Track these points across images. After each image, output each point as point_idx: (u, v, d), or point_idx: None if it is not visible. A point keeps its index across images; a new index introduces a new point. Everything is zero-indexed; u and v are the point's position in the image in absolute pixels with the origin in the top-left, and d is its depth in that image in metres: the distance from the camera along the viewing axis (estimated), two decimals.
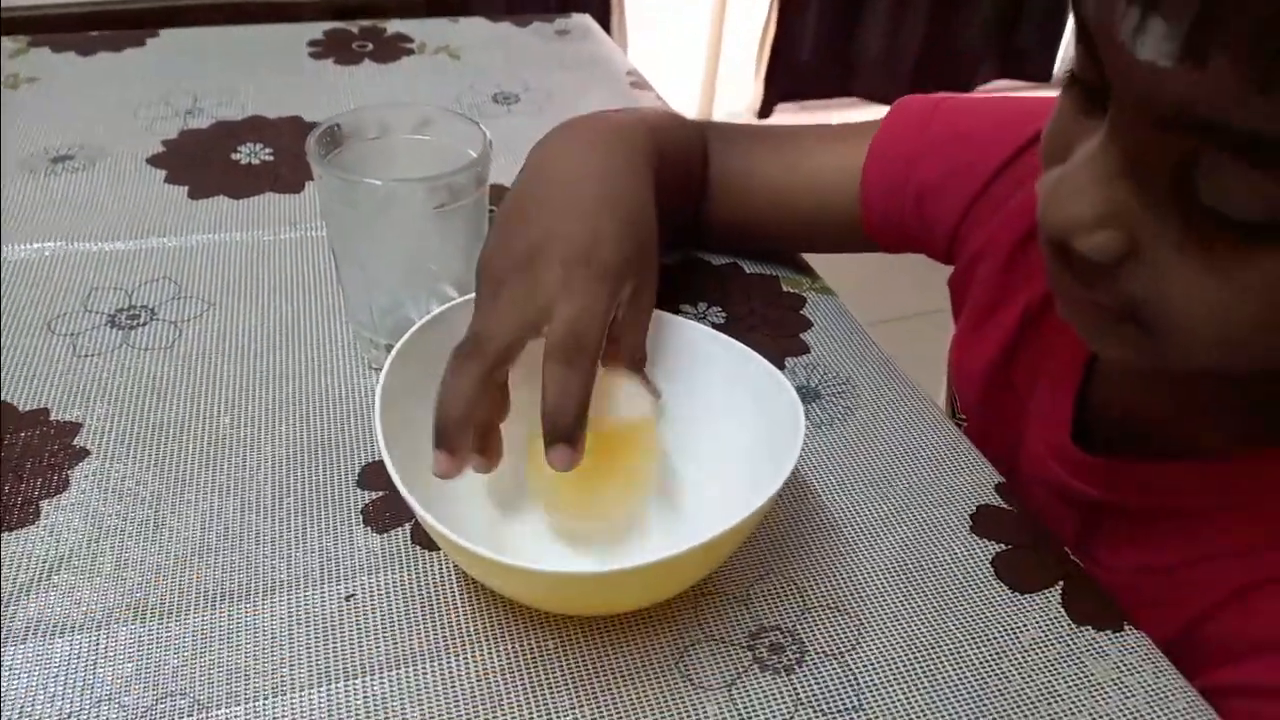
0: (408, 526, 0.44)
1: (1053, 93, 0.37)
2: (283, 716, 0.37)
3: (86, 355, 0.54)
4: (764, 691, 0.39)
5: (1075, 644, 0.41)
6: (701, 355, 0.46)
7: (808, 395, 0.53)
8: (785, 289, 0.61)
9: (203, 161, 0.71)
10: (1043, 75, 2.56)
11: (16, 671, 0.38)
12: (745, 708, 0.38)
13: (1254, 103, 0.27)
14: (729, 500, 0.42)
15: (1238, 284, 0.31)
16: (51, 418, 0.49)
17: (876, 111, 0.58)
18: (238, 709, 0.37)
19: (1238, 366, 0.37)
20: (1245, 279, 0.31)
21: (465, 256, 0.52)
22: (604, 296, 0.41)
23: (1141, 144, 0.31)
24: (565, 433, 0.39)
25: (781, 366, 0.55)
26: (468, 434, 0.39)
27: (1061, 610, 0.42)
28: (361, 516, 0.45)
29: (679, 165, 0.55)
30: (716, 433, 0.46)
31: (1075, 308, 0.38)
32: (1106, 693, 0.39)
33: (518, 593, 0.40)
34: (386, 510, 0.45)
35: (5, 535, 0.43)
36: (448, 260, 0.51)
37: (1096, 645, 0.41)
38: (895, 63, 2.45)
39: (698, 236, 0.62)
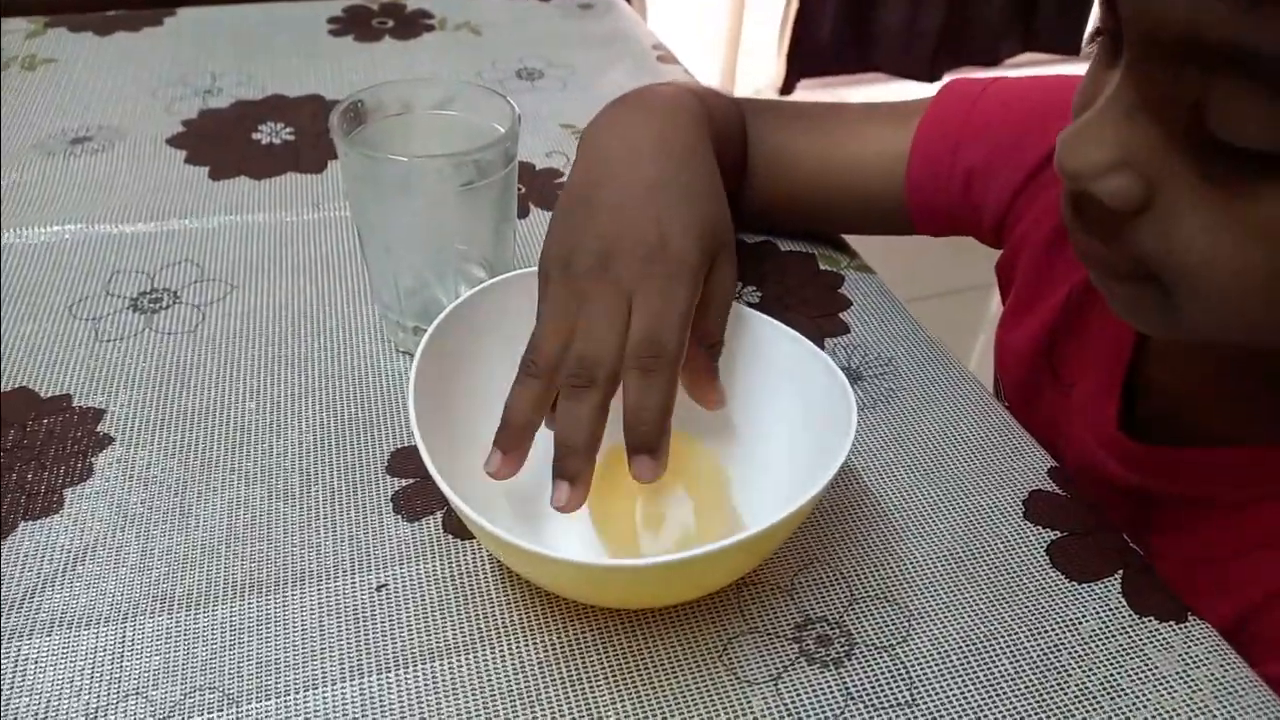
0: (439, 514, 0.43)
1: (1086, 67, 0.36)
2: (315, 712, 0.36)
3: (109, 340, 0.52)
4: (812, 685, 0.37)
5: (1138, 636, 0.39)
6: (748, 339, 0.44)
7: (849, 377, 0.51)
8: (823, 267, 0.59)
9: (223, 142, 0.70)
10: (1070, 48, 2.51)
11: (42, 665, 0.37)
12: (793, 702, 0.37)
13: (1252, 20, 0.27)
14: (775, 490, 0.41)
15: (1252, 225, 0.30)
16: (74, 404, 0.48)
17: (900, 87, 0.57)
18: (269, 704, 0.36)
19: (1260, 333, 0.35)
20: (1259, 219, 0.30)
21: (493, 235, 0.50)
22: (683, 297, 0.40)
23: (1154, 82, 0.31)
24: (648, 443, 0.38)
25: (821, 347, 0.53)
26: (592, 463, 0.38)
27: (1122, 600, 0.41)
28: (392, 504, 0.44)
29: (725, 140, 0.53)
30: (763, 419, 0.44)
31: (1098, 270, 0.37)
32: (1172, 686, 0.38)
33: (555, 584, 0.38)
34: (417, 497, 0.44)
35: (28, 524, 0.42)
36: (475, 240, 0.50)
37: (1160, 637, 0.39)
38: (917, 37, 2.40)
39: (734, 215, 0.60)
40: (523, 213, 0.63)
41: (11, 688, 0.36)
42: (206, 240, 0.60)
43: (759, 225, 0.61)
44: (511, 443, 0.39)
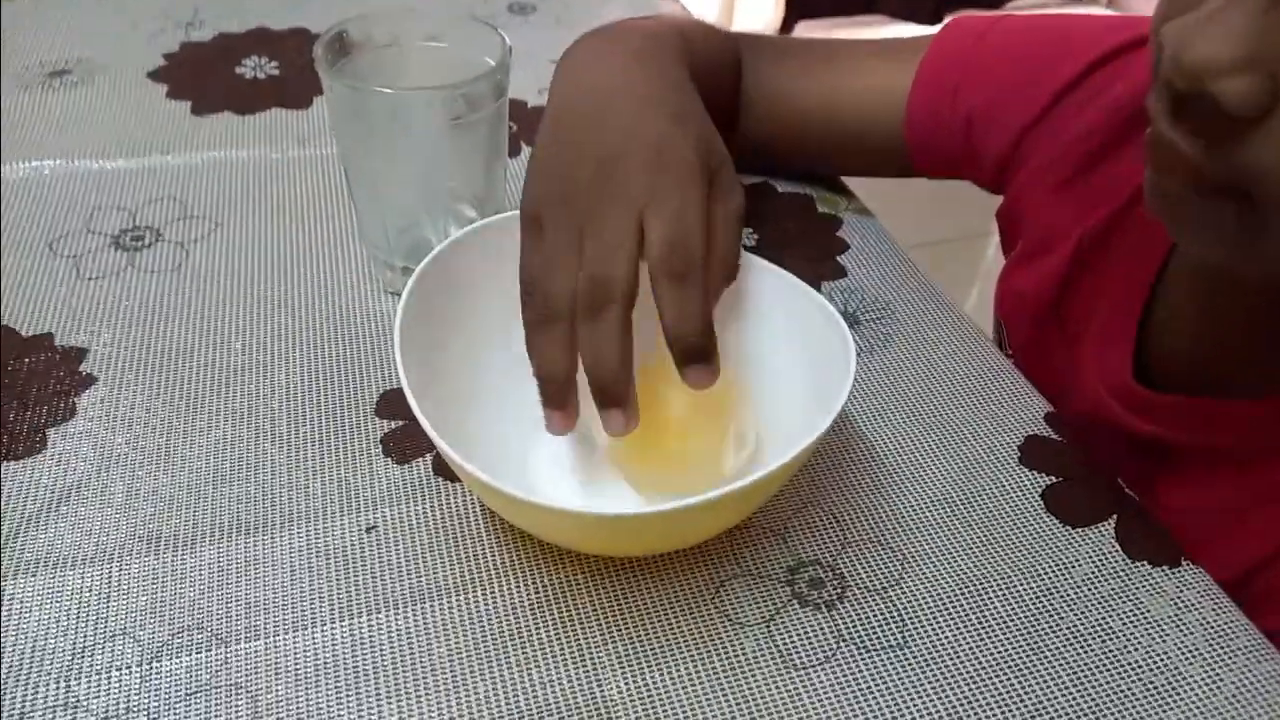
0: (429, 457, 0.43)
1: (1101, 9, 0.33)
2: (304, 651, 0.35)
3: (91, 278, 0.51)
4: (804, 627, 0.37)
5: (1130, 580, 0.39)
6: (745, 283, 0.43)
7: (846, 320, 0.50)
8: (820, 209, 0.58)
9: (206, 76, 0.68)
10: None
11: (28, 605, 0.36)
12: (785, 644, 0.36)
13: None
14: (770, 436, 0.40)
15: None
16: (56, 343, 0.47)
17: (902, 29, 0.54)
18: (257, 644, 0.35)
19: None
20: None
21: (484, 173, 0.49)
22: (697, 198, 0.38)
23: None
24: (699, 352, 0.36)
25: (817, 290, 0.52)
26: (632, 380, 0.37)
27: (1115, 545, 0.40)
28: (381, 446, 0.43)
29: (711, 77, 0.51)
30: (760, 364, 0.43)
31: (1178, 183, 0.34)
32: (1164, 630, 0.38)
33: (546, 532, 0.38)
34: (406, 440, 0.43)
35: (11, 465, 0.41)
36: (466, 177, 0.49)
37: (1153, 581, 0.39)
38: None
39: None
40: (514, 151, 0.62)
41: None
42: (189, 177, 0.59)
43: (754, 164, 0.60)
44: (559, 398, 0.37)
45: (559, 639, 0.36)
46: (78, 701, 0.34)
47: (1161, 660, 0.37)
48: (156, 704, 0.34)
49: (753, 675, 0.35)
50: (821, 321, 0.40)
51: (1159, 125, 0.33)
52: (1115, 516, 0.42)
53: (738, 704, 0.35)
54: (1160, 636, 0.37)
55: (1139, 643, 0.37)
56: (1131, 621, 0.38)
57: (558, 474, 0.42)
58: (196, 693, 0.34)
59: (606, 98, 0.41)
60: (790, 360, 0.42)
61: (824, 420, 0.35)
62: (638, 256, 0.37)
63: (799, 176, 0.60)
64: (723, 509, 0.36)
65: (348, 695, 0.34)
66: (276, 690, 0.34)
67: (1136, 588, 0.39)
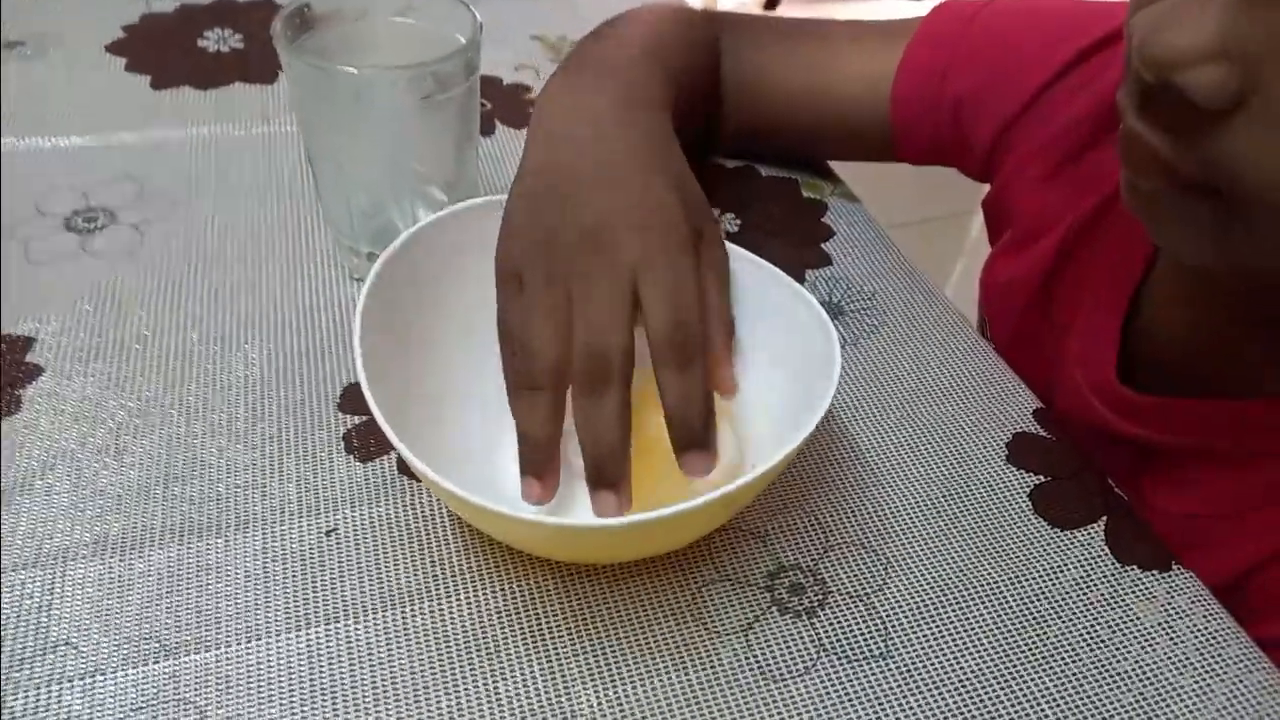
0: (394, 455, 0.41)
1: None
2: (259, 663, 0.34)
3: (39, 262, 0.49)
4: (784, 636, 0.36)
5: (1120, 585, 0.38)
6: (737, 281, 0.41)
7: (830, 311, 0.48)
8: (805, 195, 0.56)
9: (166, 49, 0.65)
10: None
11: None
12: (764, 653, 0.35)
13: None
14: (749, 434, 0.39)
15: None
16: (1, 331, 0.45)
17: (891, 6, 0.52)
18: (209, 655, 0.34)
19: None
20: None
21: (454, 155, 0.47)
22: (691, 268, 0.36)
23: None
24: (700, 437, 0.35)
25: (801, 279, 0.50)
26: (629, 461, 0.35)
27: (1105, 548, 0.39)
28: (343, 443, 0.41)
29: (692, 91, 0.49)
30: (741, 361, 0.41)
31: (1146, 182, 0.33)
32: (1153, 637, 0.36)
33: (514, 541, 0.36)
34: (371, 436, 0.41)
35: None
36: (435, 159, 0.46)
37: (1143, 586, 0.38)
38: None
39: (709, 142, 0.56)
40: (487, 130, 0.60)
41: None
42: (147, 155, 0.56)
43: (736, 151, 0.58)
44: (541, 466, 0.35)
45: (528, 649, 0.35)
46: (15, 719, 0.32)
47: (1151, 670, 0.35)
48: None
49: (730, 687, 0.34)
50: (806, 319, 0.38)
51: (1128, 119, 0.32)
52: (1105, 518, 0.40)
53: (714, 717, 0.33)
54: (1150, 645, 0.36)
55: (1128, 651, 0.36)
56: (1121, 629, 0.37)
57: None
58: (142, 708, 0.32)
59: (589, 156, 0.39)
60: (771, 356, 0.40)
61: (807, 423, 0.33)
62: (633, 326, 0.35)
63: (783, 161, 0.58)
64: (700, 519, 0.34)
65: (304, 710, 0.32)
66: (228, 705, 0.32)
67: (1126, 593, 0.38)
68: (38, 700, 0.32)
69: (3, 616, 0.34)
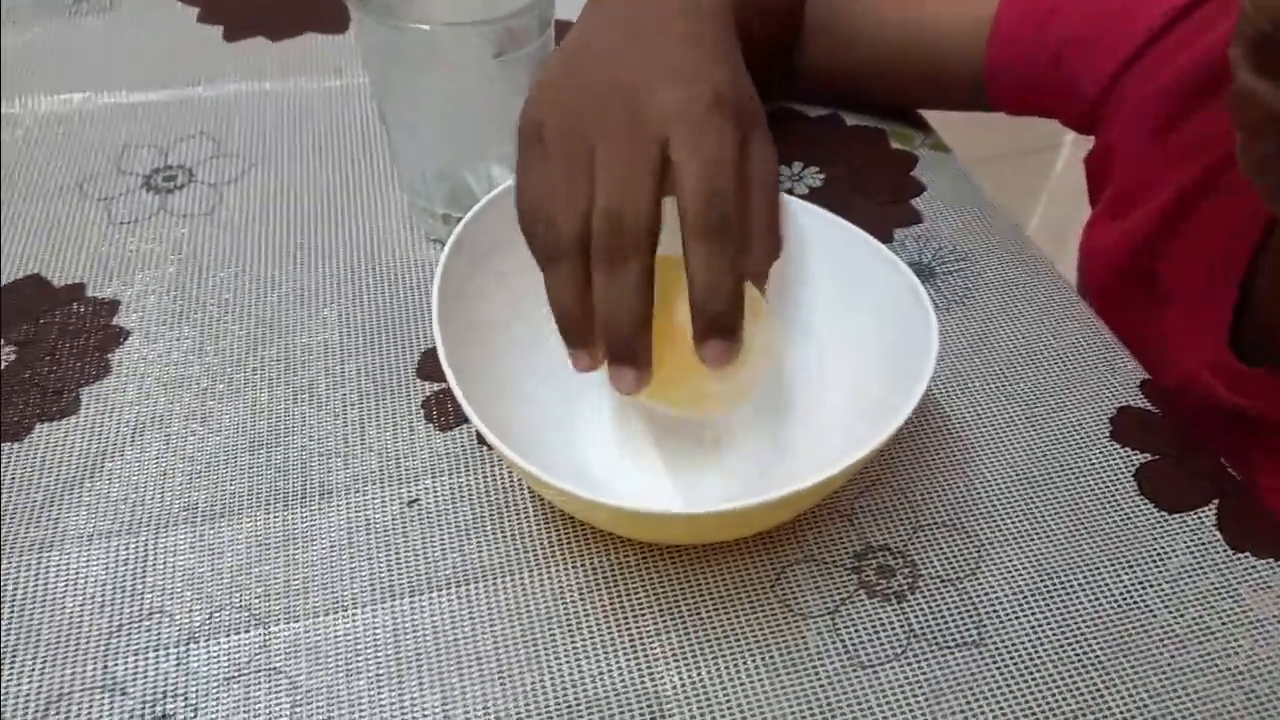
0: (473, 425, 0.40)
1: None
2: (346, 635, 0.34)
3: (122, 222, 0.49)
4: (872, 620, 0.35)
5: (1231, 573, 0.36)
6: (812, 242, 0.39)
7: (920, 273, 0.46)
8: (894, 146, 0.53)
9: None
10: None
11: (58, 579, 0.35)
12: (851, 638, 0.34)
13: None
14: (842, 411, 0.37)
15: None
16: (88, 294, 0.45)
17: None
18: (297, 625, 0.34)
19: None
20: None
21: None
22: (732, 141, 0.32)
23: None
24: (725, 323, 0.31)
25: (889, 239, 0.48)
26: (649, 337, 0.32)
27: (1216, 533, 0.37)
28: (422, 411, 0.41)
29: (766, 8, 0.46)
30: (824, 333, 0.40)
31: (1261, 144, 0.30)
32: (1267, 630, 0.34)
33: (597, 522, 0.36)
34: (450, 404, 0.41)
35: (45, 426, 0.40)
36: (509, 118, 0.45)
37: (1256, 575, 0.36)
38: None
39: (789, 84, 0.54)
40: None
41: (32, 601, 0.34)
42: (222, 110, 0.56)
43: (819, 96, 0.55)
44: (580, 337, 0.33)
45: (610, 627, 0.34)
46: (115, 683, 0.33)
47: (1265, 665, 0.33)
48: (195, 689, 0.32)
49: (816, 672, 0.33)
50: (899, 289, 0.36)
51: (1241, 76, 0.29)
52: (1216, 501, 0.38)
53: (799, 703, 0.32)
54: (1264, 638, 0.34)
55: (1241, 645, 0.34)
56: (1233, 620, 0.35)
57: (604, 434, 0.39)
58: (235, 678, 0.33)
59: (636, 27, 0.36)
60: (855, 329, 0.38)
61: (901, 406, 0.32)
62: (660, 191, 0.32)
63: (868, 108, 0.55)
64: (787, 508, 0.33)
65: (389, 684, 0.33)
66: (317, 676, 0.33)
67: (1238, 582, 0.36)
68: (135, 667, 0.33)
69: (95, 584, 0.35)
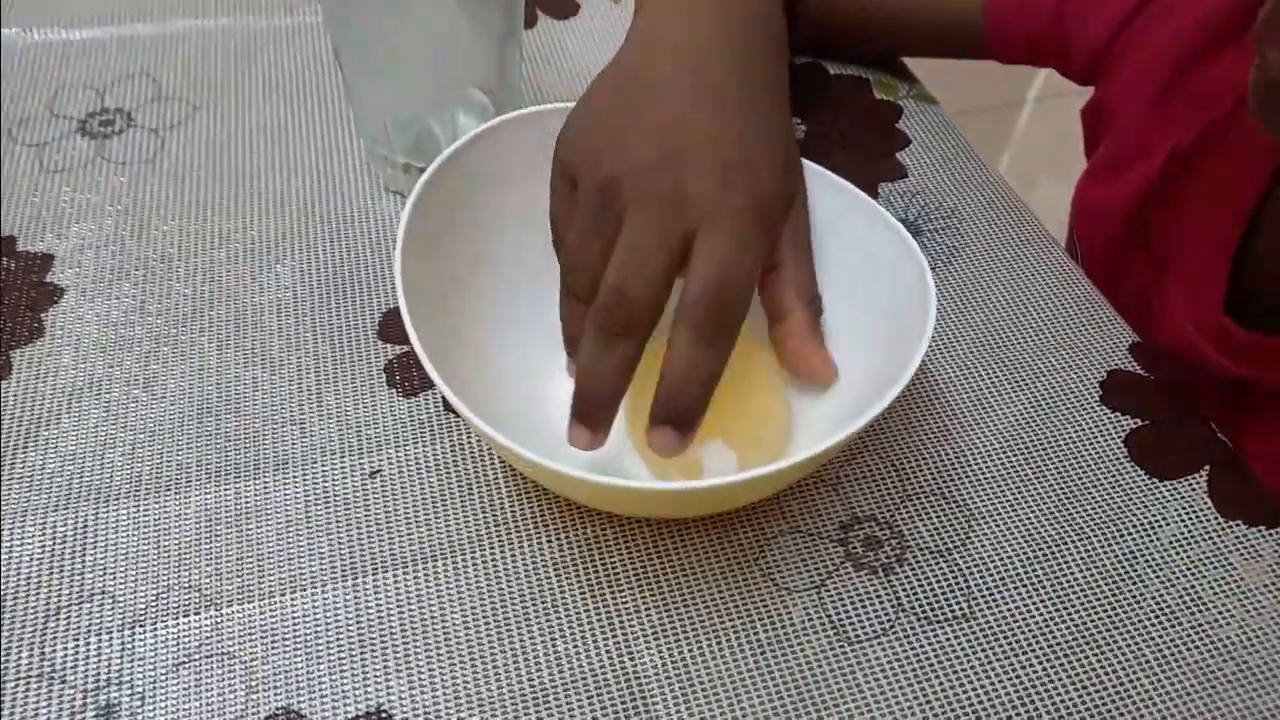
0: (439, 391, 0.38)
1: None
2: (303, 615, 0.32)
3: (56, 171, 0.46)
4: (858, 593, 0.33)
5: (1222, 541, 0.35)
6: (810, 201, 0.37)
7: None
8: (878, 96, 0.51)
9: None
10: None
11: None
12: (837, 612, 0.33)
13: None
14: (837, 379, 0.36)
15: None
16: (19, 248, 0.42)
17: None
18: (251, 606, 0.32)
19: None
20: None
21: (496, 55, 0.42)
22: (761, 244, 0.32)
23: None
24: (685, 417, 0.31)
25: (875, 195, 0.46)
26: (615, 412, 0.32)
27: (1207, 500, 0.36)
28: (384, 375, 0.38)
29: None
30: (823, 292, 0.38)
31: None
32: (1259, 599, 0.34)
33: (572, 495, 0.34)
34: (414, 368, 0.38)
35: None
36: (476, 59, 0.42)
37: (1247, 543, 0.35)
38: None
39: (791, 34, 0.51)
40: (529, 23, 0.54)
41: None
42: (163, 49, 0.52)
43: (805, 45, 0.52)
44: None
45: (586, 605, 0.33)
46: (54, 671, 0.30)
47: (1257, 636, 0.33)
48: (141, 676, 0.30)
49: (801, 648, 0.32)
50: (894, 250, 0.34)
51: (1274, 16, 0.27)
52: (1208, 468, 0.37)
53: (784, 680, 0.31)
54: (1255, 607, 0.33)
55: (1231, 614, 0.33)
56: (1224, 591, 0.34)
57: None
58: (185, 663, 0.31)
59: (689, 73, 0.34)
60: (847, 290, 0.36)
61: (895, 380, 0.30)
62: (670, 283, 0.31)
63: (855, 56, 0.53)
64: (776, 481, 0.31)
65: (351, 668, 0.31)
66: (273, 660, 0.31)
67: (1230, 551, 0.35)
68: (76, 651, 0.31)
69: (31, 563, 0.33)
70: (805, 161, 0.37)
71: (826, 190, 0.37)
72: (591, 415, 0.32)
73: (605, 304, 0.31)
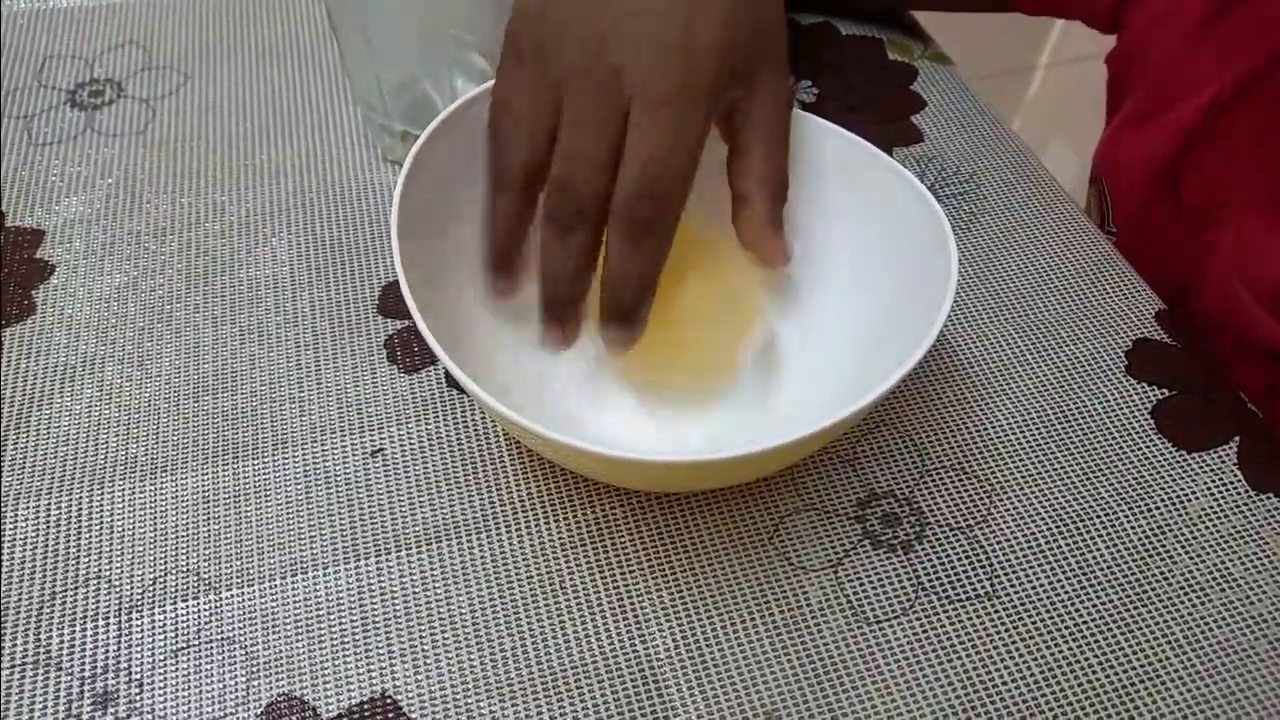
0: (442, 366, 0.37)
1: None
2: (305, 599, 0.31)
3: (45, 143, 0.44)
4: (877, 572, 0.32)
5: (1254, 516, 0.34)
6: (821, 159, 0.36)
7: None
8: (892, 56, 0.49)
9: None
10: None
11: None
12: (855, 592, 0.32)
13: None
14: (848, 347, 0.34)
15: None
16: (8, 223, 0.41)
17: None
18: (252, 589, 0.31)
19: None
20: None
21: (495, 14, 0.41)
22: (697, 126, 0.30)
23: None
24: (626, 312, 0.30)
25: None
26: (583, 305, 0.31)
27: (1237, 473, 0.35)
28: (384, 351, 0.37)
29: None
30: (835, 255, 0.36)
31: None
32: None
33: (582, 470, 0.33)
34: (416, 343, 0.37)
35: None
36: (473, 20, 0.40)
37: (1279, 517, 0.34)
38: None
39: None
40: None
41: None
42: (153, 17, 0.50)
43: (814, 1, 0.50)
44: (500, 264, 0.32)
45: (596, 586, 0.32)
46: (49, 658, 0.29)
47: None
48: (139, 662, 0.29)
49: (818, 629, 0.31)
50: (915, 212, 0.33)
51: None
52: (1238, 439, 0.36)
53: (801, 662, 0.30)
54: None
55: (1263, 590, 0.32)
56: (1255, 566, 0.33)
57: (585, 372, 0.36)
58: (183, 649, 0.30)
59: None
60: (862, 252, 0.35)
61: (913, 349, 0.29)
62: (615, 163, 0.30)
63: (865, 15, 0.51)
64: (792, 452, 0.30)
65: (355, 652, 0.30)
66: (274, 645, 0.30)
67: (1261, 525, 0.34)
68: (72, 638, 0.30)
69: (24, 548, 0.32)
70: (819, 119, 0.36)
71: (841, 147, 0.35)
72: (559, 312, 0.31)
73: (554, 196, 0.30)
